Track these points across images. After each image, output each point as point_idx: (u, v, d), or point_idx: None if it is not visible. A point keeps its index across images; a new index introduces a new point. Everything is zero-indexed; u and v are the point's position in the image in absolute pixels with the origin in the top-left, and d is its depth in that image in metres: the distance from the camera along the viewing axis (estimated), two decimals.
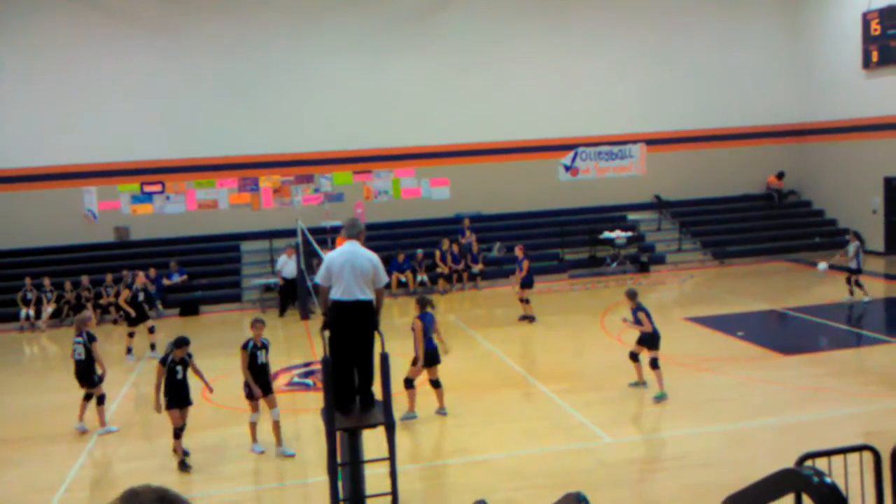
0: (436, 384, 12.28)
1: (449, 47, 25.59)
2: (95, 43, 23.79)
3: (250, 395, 11.01)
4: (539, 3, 25.95)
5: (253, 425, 11.09)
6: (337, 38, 24.99)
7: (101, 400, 12.48)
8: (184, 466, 10.65)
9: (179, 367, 10.86)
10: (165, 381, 10.77)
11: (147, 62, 24.10)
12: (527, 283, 18.65)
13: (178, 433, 10.78)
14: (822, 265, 19.45)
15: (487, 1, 25.74)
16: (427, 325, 12.05)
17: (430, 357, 12.10)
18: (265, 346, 11.08)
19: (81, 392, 12.52)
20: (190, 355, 11.08)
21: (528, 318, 18.55)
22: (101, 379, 12.48)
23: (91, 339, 12.45)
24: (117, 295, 21.41)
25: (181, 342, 11.01)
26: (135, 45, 24.01)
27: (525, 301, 18.78)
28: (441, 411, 12.26)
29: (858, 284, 18.68)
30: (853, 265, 18.63)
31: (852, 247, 18.79)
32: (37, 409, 13.03)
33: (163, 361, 10.88)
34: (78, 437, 12.22)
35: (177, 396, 10.83)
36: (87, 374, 12.44)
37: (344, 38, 25.01)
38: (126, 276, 21.61)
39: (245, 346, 11.00)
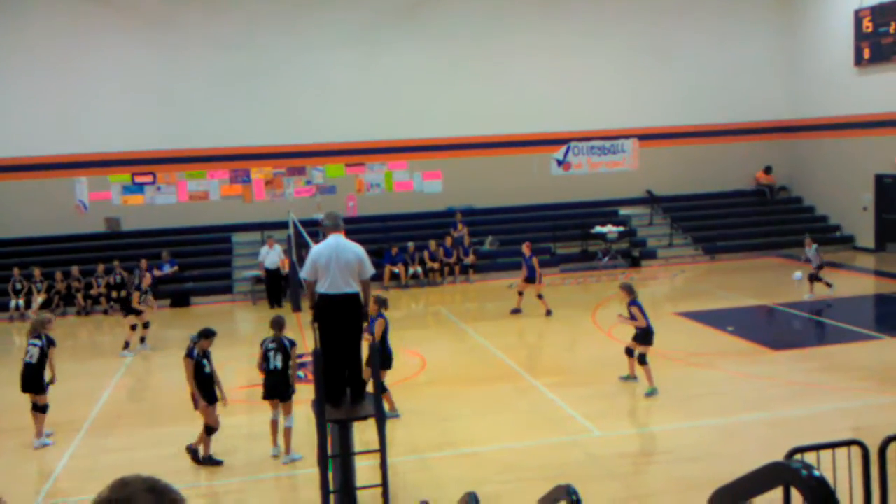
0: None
1: (443, 41, 25.54)
2: (88, 33, 23.67)
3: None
4: None
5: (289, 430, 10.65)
6: (330, 31, 24.92)
7: (43, 409, 11.67)
8: (210, 461, 10.46)
9: (206, 361, 10.51)
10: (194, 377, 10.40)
11: (139, 53, 23.99)
12: (530, 279, 18.65)
13: (210, 430, 10.47)
14: (798, 274, 19.58)
15: None
16: (387, 326, 11.63)
17: (387, 360, 11.63)
18: None
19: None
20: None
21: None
22: (48, 386, 11.71)
23: (50, 342, 11.68)
24: (108, 286, 21.42)
25: (208, 333, 10.60)
26: (127, 35, 23.89)
27: (524, 295, 18.81)
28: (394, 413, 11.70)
29: (818, 279, 18.66)
30: (816, 263, 18.70)
31: (811, 250, 18.80)
32: (25, 400, 12.97)
33: (189, 355, 10.43)
34: (66, 428, 12.17)
35: (205, 393, 10.44)
36: (37, 379, 11.55)
37: (337, 31, 24.94)
38: (118, 268, 21.59)
39: (294, 344, 10.75)
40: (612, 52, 26.58)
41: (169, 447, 11.21)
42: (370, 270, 8.30)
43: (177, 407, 12.96)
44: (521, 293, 18.92)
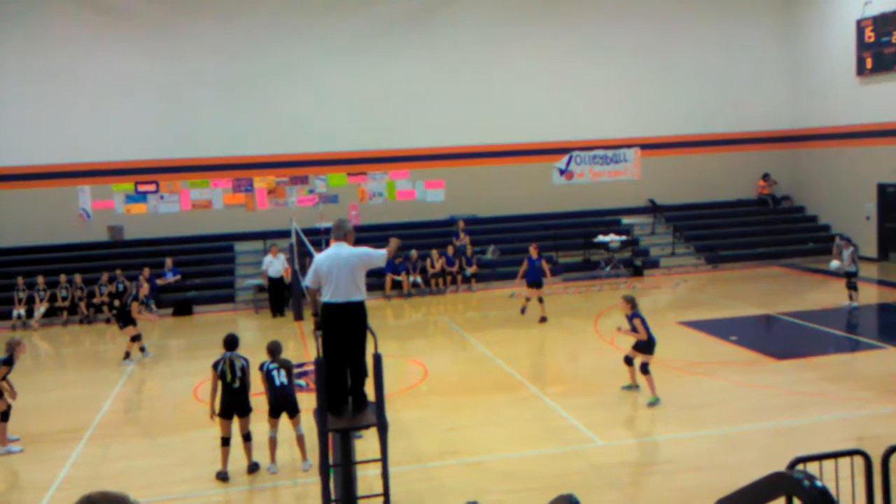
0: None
1: (444, 49, 25.62)
2: (91, 42, 23.77)
3: None
4: (535, 6, 26.00)
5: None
6: (332, 40, 25.01)
7: (4, 416, 11.64)
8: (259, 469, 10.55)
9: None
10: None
11: (142, 61, 24.07)
12: (536, 283, 18.68)
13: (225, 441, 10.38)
14: (835, 263, 19.61)
15: (483, 3, 25.78)
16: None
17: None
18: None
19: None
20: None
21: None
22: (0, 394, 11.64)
23: (9, 362, 11.61)
24: (110, 295, 21.43)
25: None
26: (130, 44, 23.98)
27: (535, 300, 18.82)
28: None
29: (854, 288, 18.75)
30: (852, 269, 18.73)
31: (847, 252, 18.88)
32: (27, 408, 12.99)
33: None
34: (69, 435, 12.16)
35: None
36: None
37: (339, 40, 25.03)
38: (120, 277, 21.59)
39: (292, 366, 10.86)
40: (615, 61, 26.63)
41: (170, 456, 11.21)
42: (379, 253, 8.24)
43: (178, 416, 12.98)
44: (528, 298, 18.99)
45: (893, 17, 23.21)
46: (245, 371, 10.43)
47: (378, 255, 8.21)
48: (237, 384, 10.34)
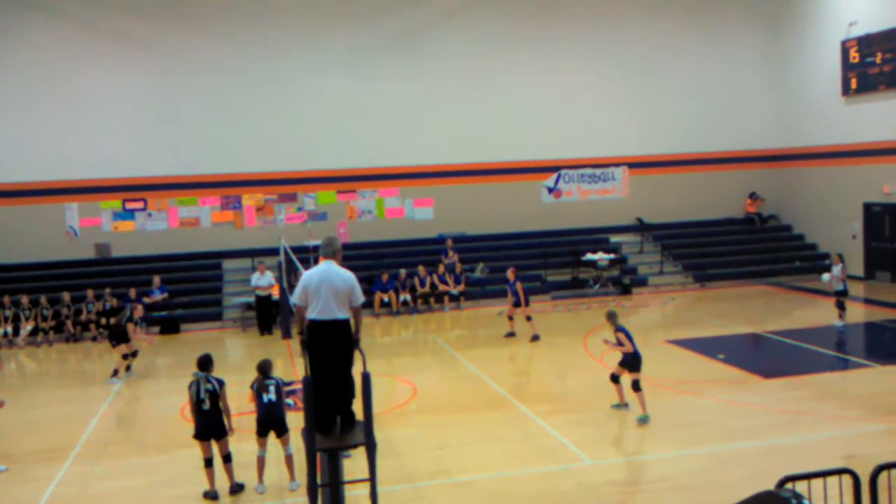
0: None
1: (434, 68, 25.74)
2: (80, 60, 23.76)
3: None
4: (524, 26, 26.17)
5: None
6: (322, 58, 25.09)
7: None
8: (236, 488, 10.43)
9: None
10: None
11: (131, 79, 24.08)
12: (517, 304, 18.80)
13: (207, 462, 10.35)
14: (826, 276, 19.66)
15: (473, 23, 25.94)
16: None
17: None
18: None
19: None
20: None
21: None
22: None
23: None
24: (97, 313, 21.31)
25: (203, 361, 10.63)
26: (119, 61, 24.00)
27: (514, 319, 19.10)
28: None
29: (842, 307, 18.80)
30: (840, 287, 18.78)
31: (837, 269, 18.92)
32: (13, 427, 12.88)
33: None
34: (56, 454, 12.06)
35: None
36: None
37: (329, 58, 25.12)
38: (108, 295, 21.48)
39: (282, 383, 10.87)
40: (603, 81, 26.83)
41: (157, 475, 11.13)
42: (361, 297, 8.24)
43: (165, 435, 12.89)
44: (511, 318, 19.09)
45: (878, 38, 23.48)
46: (214, 395, 10.27)
47: (360, 298, 8.22)
48: (206, 406, 10.24)
